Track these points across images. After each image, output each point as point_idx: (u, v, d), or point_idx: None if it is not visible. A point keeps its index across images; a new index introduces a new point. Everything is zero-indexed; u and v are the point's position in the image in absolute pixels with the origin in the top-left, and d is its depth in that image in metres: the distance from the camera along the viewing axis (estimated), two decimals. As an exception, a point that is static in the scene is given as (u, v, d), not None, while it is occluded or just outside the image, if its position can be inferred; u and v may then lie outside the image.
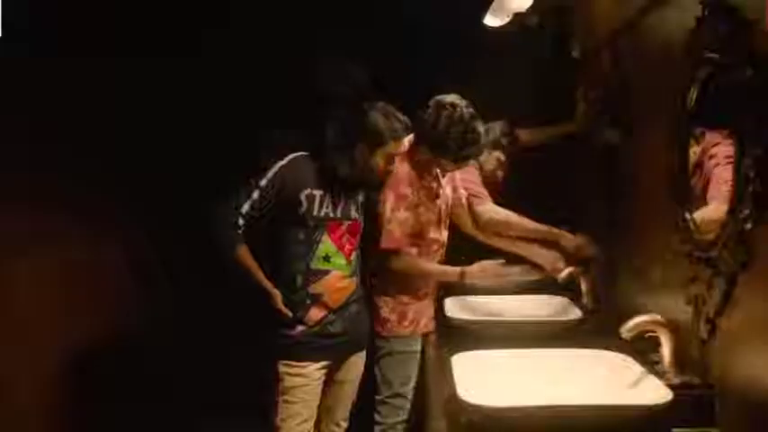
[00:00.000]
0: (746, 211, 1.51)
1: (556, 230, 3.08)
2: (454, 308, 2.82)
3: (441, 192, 2.98)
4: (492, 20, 3.50)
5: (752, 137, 1.49)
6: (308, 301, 2.62)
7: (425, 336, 2.93)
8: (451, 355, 2.05)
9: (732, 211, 1.57)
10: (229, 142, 4.00)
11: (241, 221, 2.56)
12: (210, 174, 3.97)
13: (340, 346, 2.67)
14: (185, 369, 3.80)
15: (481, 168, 3.35)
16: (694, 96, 1.83)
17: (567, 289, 2.94)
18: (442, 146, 2.78)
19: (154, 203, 3.58)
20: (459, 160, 2.85)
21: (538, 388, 1.91)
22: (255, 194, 2.57)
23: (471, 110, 2.82)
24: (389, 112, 2.70)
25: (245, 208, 2.56)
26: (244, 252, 2.59)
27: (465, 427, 1.74)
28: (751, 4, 1.54)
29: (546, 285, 3.14)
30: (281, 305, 2.59)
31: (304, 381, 2.60)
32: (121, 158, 3.43)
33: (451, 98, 2.84)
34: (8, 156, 2.73)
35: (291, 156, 2.66)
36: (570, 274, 2.89)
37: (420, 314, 2.88)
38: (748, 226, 1.51)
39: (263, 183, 2.58)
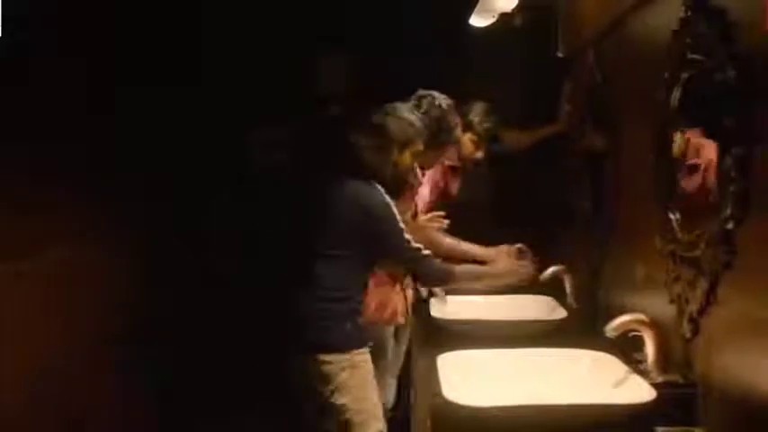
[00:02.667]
0: (728, 211, 1.52)
1: (485, 252, 3.03)
2: (439, 308, 2.82)
3: (418, 190, 3.00)
4: (478, 20, 3.51)
5: (734, 137, 1.50)
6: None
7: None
8: (437, 354, 2.05)
9: (714, 211, 1.58)
10: (218, 141, 4.01)
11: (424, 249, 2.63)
12: (201, 172, 3.99)
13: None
14: (184, 369, 3.81)
15: (459, 154, 3.41)
16: (677, 97, 1.84)
17: (552, 288, 2.95)
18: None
19: (147, 203, 3.58)
20: (434, 147, 2.88)
21: (522, 387, 1.92)
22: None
23: (449, 101, 2.97)
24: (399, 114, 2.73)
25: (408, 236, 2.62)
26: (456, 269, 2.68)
27: (450, 426, 1.74)
28: (733, 5, 1.55)
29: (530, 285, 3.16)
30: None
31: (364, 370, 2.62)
32: (113, 157, 3.42)
33: (431, 91, 2.97)
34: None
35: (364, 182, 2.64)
36: (554, 274, 2.90)
37: None
38: (730, 226, 1.52)
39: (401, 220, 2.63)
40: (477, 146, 3.47)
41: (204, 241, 4.03)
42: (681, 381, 1.75)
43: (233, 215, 4.12)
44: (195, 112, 3.88)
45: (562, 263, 2.92)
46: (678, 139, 1.84)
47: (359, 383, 2.59)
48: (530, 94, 3.90)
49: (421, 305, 2.99)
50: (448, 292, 3.01)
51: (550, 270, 2.89)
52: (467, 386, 1.82)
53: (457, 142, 3.15)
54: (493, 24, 3.47)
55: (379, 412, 2.63)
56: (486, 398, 1.73)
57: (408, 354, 3.03)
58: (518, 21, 3.38)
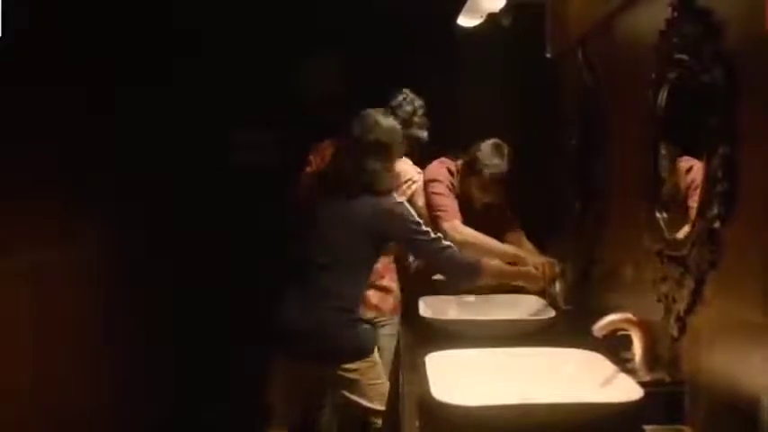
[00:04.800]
0: (715, 211, 1.53)
1: (522, 254, 3.04)
2: (428, 307, 2.82)
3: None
4: (465, 20, 3.51)
5: (720, 137, 1.51)
6: None
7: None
8: (425, 354, 2.05)
9: (701, 211, 1.59)
10: (202, 142, 4.00)
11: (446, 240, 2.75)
12: (184, 172, 3.99)
13: None
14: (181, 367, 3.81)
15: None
16: (664, 97, 1.85)
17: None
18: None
19: (128, 204, 3.57)
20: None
21: (511, 387, 1.92)
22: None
23: (422, 102, 3.20)
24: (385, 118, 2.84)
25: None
26: (485, 263, 2.78)
27: (439, 426, 1.74)
28: (719, 6, 1.56)
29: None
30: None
31: (379, 361, 2.83)
32: (95, 158, 3.40)
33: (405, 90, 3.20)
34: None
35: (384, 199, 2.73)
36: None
37: None
38: (717, 225, 1.53)
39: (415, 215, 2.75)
40: (485, 190, 3.25)
41: (187, 244, 4.01)
42: (668, 379, 1.76)
43: (219, 217, 4.12)
44: (175, 113, 3.87)
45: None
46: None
47: (380, 378, 2.79)
48: (518, 94, 3.91)
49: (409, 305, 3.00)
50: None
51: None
52: (455, 386, 1.82)
53: (423, 140, 3.25)
54: (481, 25, 3.47)
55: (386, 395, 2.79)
56: (474, 397, 1.73)
57: (397, 353, 3.03)
58: (506, 21, 3.38)
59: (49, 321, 2.96)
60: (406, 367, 2.40)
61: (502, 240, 3.23)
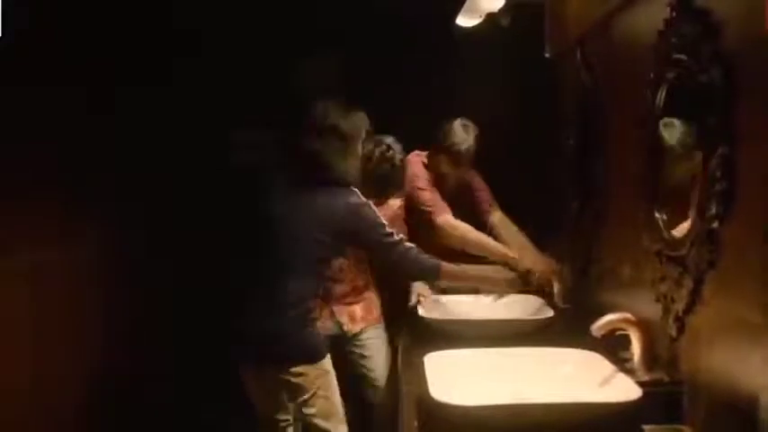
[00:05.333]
0: (713, 211, 1.53)
1: (511, 256, 3.02)
2: (426, 307, 2.82)
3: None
4: (464, 20, 3.51)
5: (718, 137, 1.51)
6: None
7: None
8: (424, 354, 2.05)
9: (700, 211, 1.59)
10: (202, 142, 4.00)
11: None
12: (188, 173, 3.98)
13: None
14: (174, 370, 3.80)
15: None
16: (663, 97, 1.85)
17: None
18: None
19: (129, 204, 3.57)
20: None
21: (509, 386, 1.92)
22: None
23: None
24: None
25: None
26: (445, 266, 2.71)
27: (437, 426, 1.74)
28: (718, 6, 1.56)
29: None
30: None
31: (330, 375, 2.67)
32: (99, 157, 3.40)
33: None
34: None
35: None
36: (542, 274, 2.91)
37: None
38: (715, 225, 1.53)
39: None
40: (455, 165, 3.36)
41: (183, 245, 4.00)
42: (667, 379, 1.76)
43: (209, 217, 4.11)
44: (175, 113, 3.87)
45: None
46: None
47: (328, 391, 2.64)
48: (517, 94, 3.90)
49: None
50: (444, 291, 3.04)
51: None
52: (454, 386, 1.82)
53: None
54: (480, 25, 3.47)
55: (343, 415, 2.69)
56: (472, 397, 1.73)
57: (395, 353, 3.03)
58: (505, 21, 3.38)
59: (49, 321, 2.96)
60: (405, 367, 2.40)
61: (485, 221, 3.39)
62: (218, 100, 4.02)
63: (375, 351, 3.18)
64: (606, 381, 1.83)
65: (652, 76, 1.89)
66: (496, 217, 3.48)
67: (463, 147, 3.31)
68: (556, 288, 2.91)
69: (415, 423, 1.85)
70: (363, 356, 3.18)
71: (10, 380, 2.69)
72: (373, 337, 3.18)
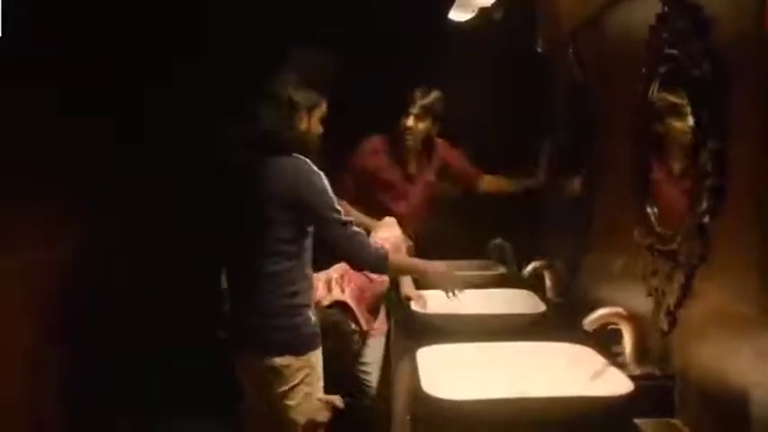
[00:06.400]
0: (705, 205, 1.53)
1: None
2: (419, 305, 2.82)
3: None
4: (457, 15, 3.51)
5: (710, 131, 1.52)
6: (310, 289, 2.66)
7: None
8: (416, 349, 2.06)
9: (691, 205, 1.60)
10: (202, 142, 3.99)
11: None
12: (188, 172, 3.97)
13: None
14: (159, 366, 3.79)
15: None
16: (655, 91, 1.85)
17: (532, 283, 2.97)
18: None
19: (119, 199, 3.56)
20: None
21: (502, 381, 1.92)
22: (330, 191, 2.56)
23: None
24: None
25: (337, 205, 2.55)
26: (393, 257, 2.64)
27: (430, 420, 1.75)
28: (709, 1, 1.57)
29: (510, 279, 3.18)
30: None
31: (315, 372, 2.60)
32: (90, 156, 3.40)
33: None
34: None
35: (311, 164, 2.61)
36: (534, 268, 2.92)
37: None
38: (706, 219, 1.54)
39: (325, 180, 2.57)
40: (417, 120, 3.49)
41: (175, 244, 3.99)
42: (658, 373, 1.77)
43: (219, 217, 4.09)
44: (175, 113, 3.86)
45: (543, 258, 2.94)
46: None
47: (311, 387, 2.59)
48: (509, 89, 3.90)
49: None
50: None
51: (531, 265, 2.91)
52: (446, 380, 1.83)
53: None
54: (472, 19, 3.47)
55: (323, 417, 2.63)
56: (465, 392, 1.74)
57: (388, 347, 3.03)
58: (497, 15, 3.38)
59: (44, 321, 2.96)
60: (397, 362, 2.40)
61: (476, 190, 3.68)
62: (217, 100, 4.01)
63: (375, 359, 3.21)
64: (598, 375, 1.83)
65: (644, 70, 1.89)
66: (485, 182, 3.64)
67: (425, 101, 3.44)
68: (548, 283, 2.92)
69: (408, 417, 1.85)
70: (363, 363, 3.22)
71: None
72: (376, 347, 3.20)
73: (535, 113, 3.54)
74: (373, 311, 2.86)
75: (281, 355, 2.53)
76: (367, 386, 3.23)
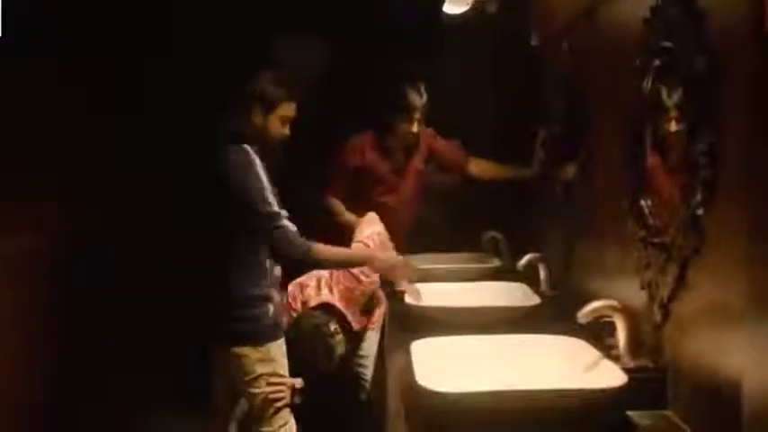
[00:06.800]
0: (698, 197, 1.54)
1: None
2: (411, 295, 2.82)
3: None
4: (452, 8, 3.50)
5: (703, 124, 1.52)
6: (272, 283, 2.69)
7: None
8: (410, 341, 2.06)
9: (684, 198, 1.60)
10: (202, 141, 3.98)
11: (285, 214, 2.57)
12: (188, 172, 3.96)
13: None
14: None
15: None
16: (649, 84, 1.85)
17: (526, 276, 2.97)
18: None
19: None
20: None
21: (495, 373, 1.93)
22: (268, 186, 2.58)
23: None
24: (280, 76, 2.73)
25: (270, 198, 2.56)
26: (316, 248, 2.60)
27: (424, 413, 1.75)
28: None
29: (504, 272, 3.18)
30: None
31: (276, 363, 2.63)
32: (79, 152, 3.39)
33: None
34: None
35: (251, 154, 2.63)
36: (529, 261, 2.92)
37: None
38: (700, 212, 1.54)
39: (265, 181, 2.58)
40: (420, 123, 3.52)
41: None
42: (652, 365, 1.77)
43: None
44: (175, 113, 3.85)
45: (537, 251, 2.95)
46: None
47: (273, 377, 2.62)
48: (504, 82, 3.90)
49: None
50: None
51: (525, 258, 2.92)
52: (440, 373, 1.83)
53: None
54: (467, 12, 3.47)
55: (286, 411, 2.66)
56: (459, 384, 1.74)
57: (382, 340, 3.04)
58: (491, 8, 3.38)
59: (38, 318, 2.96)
60: (391, 355, 2.41)
61: (466, 176, 3.70)
62: (217, 99, 4.00)
63: (372, 353, 3.22)
64: (591, 367, 1.84)
65: (638, 63, 1.89)
66: (475, 166, 3.65)
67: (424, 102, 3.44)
68: (543, 276, 2.92)
69: (402, 410, 1.86)
70: (360, 356, 3.22)
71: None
72: (372, 340, 3.21)
73: (529, 106, 3.54)
74: (367, 310, 2.85)
75: (239, 345, 2.59)
76: (363, 380, 3.23)
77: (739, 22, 1.39)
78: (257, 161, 2.58)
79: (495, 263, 3.44)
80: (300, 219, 2.62)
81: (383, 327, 3.14)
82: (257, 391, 2.61)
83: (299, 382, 2.66)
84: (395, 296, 2.92)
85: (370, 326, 3.12)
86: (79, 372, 3.38)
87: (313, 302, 2.72)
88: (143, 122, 3.64)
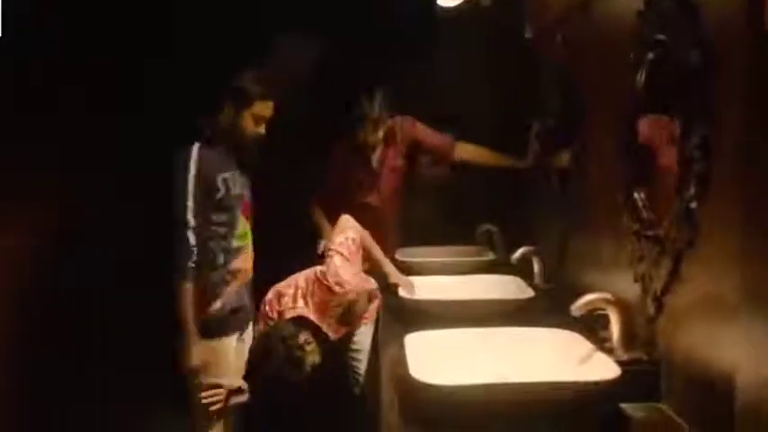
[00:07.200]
0: (692, 191, 1.54)
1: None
2: (405, 289, 2.82)
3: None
4: (446, 0, 3.49)
5: (697, 118, 1.52)
6: (228, 278, 2.78)
7: None
8: (404, 334, 2.06)
9: (678, 190, 1.60)
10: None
11: (192, 239, 2.67)
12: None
13: (247, 318, 2.91)
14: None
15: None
16: (642, 77, 1.85)
17: (520, 269, 2.97)
18: None
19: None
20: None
21: (489, 366, 1.93)
22: (190, 203, 2.68)
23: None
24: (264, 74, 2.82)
25: (191, 220, 2.67)
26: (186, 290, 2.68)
27: (417, 405, 1.75)
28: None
29: (498, 265, 3.18)
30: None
31: (219, 356, 2.76)
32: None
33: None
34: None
35: (195, 148, 2.75)
36: (523, 254, 2.92)
37: None
38: (694, 205, 1.54)
39: (190, 177, 2.69)
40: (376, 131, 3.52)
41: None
42: (645, 358, 1.78)
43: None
44: (175, 113, 3.84)
45: (532, 244, 2.95)
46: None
47: (216, 371, 2.73)
48: (498, 74, 3.90)
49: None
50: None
51: (520, 251, 2.92)
52: (434, 366, 1.83)
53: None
54: (461, 5, 3.46)
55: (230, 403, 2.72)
56: (453, 377, 1.74)
57: (376, 333, 3.04)
58: (486, 0, 3.37)
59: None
60: (385, 348, 2.41)
61: (453, 162, 3.70)
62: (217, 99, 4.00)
63: (365, 346, 3.23)
64: (585, 360, 1.84)
65: (632, 56, 1.89)
66: (462, 151, 3.65)
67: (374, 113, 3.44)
68: (537, 269, 2.93)
69: (396, 403, 1.86)
70: (354, 350, 3.22)
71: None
72: (366, 333, 3.21)
73: (524, 99, 3.53)
74: (344, 320, 2.85)
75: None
76: (357, 374, 3.23)
77: (734, 15, 1.39)
78: (195, 164, 2.70)
79: (490, 256, 3.44)
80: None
81: (377, 320, 3.14)
82: (197, 382, 2.72)
83: (236, 384, 2.71)
84: (389, 289, 2.92)
85: (363, 320, 3.12)
86: (79, 371, 3.38)
87: (288, 314, 2.73)
88: (143, 122, 3.62)
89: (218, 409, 2.68)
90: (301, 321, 2.70)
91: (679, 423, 1.62)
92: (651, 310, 1.77)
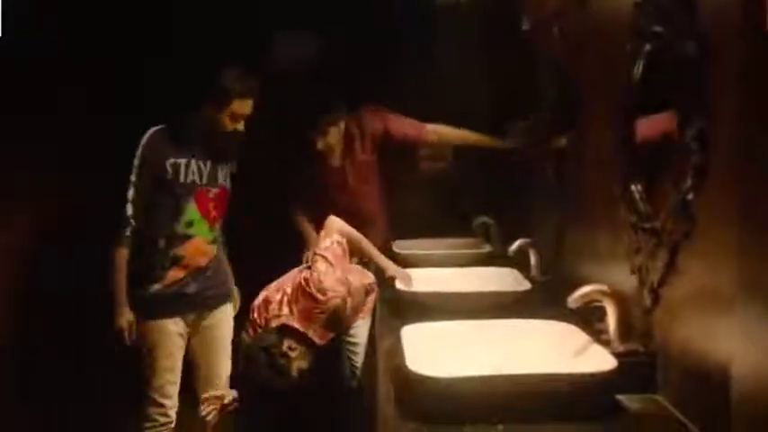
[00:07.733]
0: (689, 183, 1.53)
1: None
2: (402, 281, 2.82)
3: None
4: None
5: (694, 110, 1.52)
6: (168, 263, 2.89)
7: None
8: (400, 326, 2.06)
9: (675, 182, 1.60)
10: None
11: (130, 210, 2.82)
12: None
13: (192, 304, 3.00)
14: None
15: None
16: (640, 69, 1.85)
17: (517, 261, 2.97)
18: None
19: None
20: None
21: (486, 358, 1.93)
22: (133, 178, 2.85)
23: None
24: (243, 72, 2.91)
25: (131, 194, 2.83)
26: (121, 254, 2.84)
27: (414, 397, 1.75)
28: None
29: (495, 257, 3.19)
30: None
31: (161, 336, 2.92)
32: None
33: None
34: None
35: (151, 130, 2.92)
36: (520, 247, 2.92)
37: None
38: (690, 196, 1.54)
39: (137, 154, 2.88)
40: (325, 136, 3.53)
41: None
42: (641, 350, 1.78)
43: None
44: (174, 113, 3.84)
45: (528, 236, 2.95)
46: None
47: (156, 351, 2.93)
48: (494, 67, 3.89)
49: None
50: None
51: (516, 243, 2.92)
52: (430, 358, 1.83)
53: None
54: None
55: (169, 390, 2.96)
56: (449, 369, 1.74)
57: (373, 326, 3.04)
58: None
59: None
60: (382, 340, 2.41)
61: (426, 143, 3.72)
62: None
63: (362, 339, 3.23)
64: (581, 352, 1.84)
65: (629, 48, 1.88)
66: (434, 133, 3.62)
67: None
68: (533, 261, 2.93)
69: (392, 395, 1.86)
70: (352, 343, 3.22)
71: None
72: (363, 326, 3.21)
73: (522, 91, 3.53)
74: (330, 325, 2.85)
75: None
76: (354, 367, 3.23)
77: (731, 7, 1.38)
78: (144, 146, 2.88)
79: (486, 248, 3.45)
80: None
81: (373, 312, 3.14)
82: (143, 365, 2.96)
83: (229, 396, 2.81)
84: (385, 282, 2.92)
85: (360, 314, 3.12)
86: (79, 371, 3.38)
87: (273, 323, 2.73)
88: (143, 122, 3.62)
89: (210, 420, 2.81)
90: (286, 330, 2.70)
91: (675, 414, 1.63)
92: (647, 301, 1.77)
